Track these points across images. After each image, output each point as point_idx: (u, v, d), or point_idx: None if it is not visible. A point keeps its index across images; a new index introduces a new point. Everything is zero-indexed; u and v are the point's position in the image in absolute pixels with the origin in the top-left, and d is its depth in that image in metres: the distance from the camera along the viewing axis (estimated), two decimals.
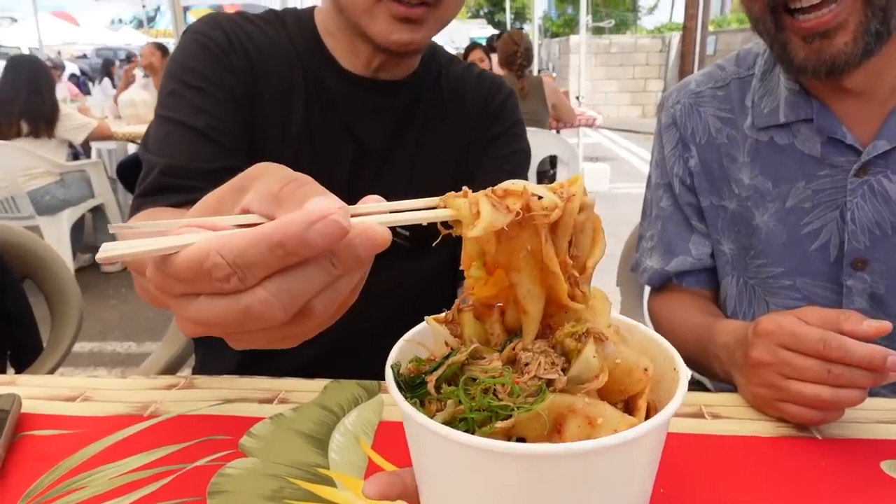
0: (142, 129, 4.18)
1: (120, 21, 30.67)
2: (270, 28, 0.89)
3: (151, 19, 26.60)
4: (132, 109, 4.30)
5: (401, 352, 0.43)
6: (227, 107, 0.83)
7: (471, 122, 0.97)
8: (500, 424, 0.33)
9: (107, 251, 0.32)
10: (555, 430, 0.35)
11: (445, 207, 0.37)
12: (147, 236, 0.33)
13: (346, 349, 0.92)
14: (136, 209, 0.79)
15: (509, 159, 0.98)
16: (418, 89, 0.94)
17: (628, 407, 0.38)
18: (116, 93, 4.66)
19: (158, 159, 0.80)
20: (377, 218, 0.35)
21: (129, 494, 0.60)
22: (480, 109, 0.98)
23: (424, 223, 0.38)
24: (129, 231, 0.37)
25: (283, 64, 0.87)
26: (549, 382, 0.35)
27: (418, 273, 0.94)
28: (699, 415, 0.71)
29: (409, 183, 0.93)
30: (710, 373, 0.89)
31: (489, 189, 0.38)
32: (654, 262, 1.02)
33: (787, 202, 0.89)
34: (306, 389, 0.79)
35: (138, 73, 4.55)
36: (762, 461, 0.63)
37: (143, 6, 17.38)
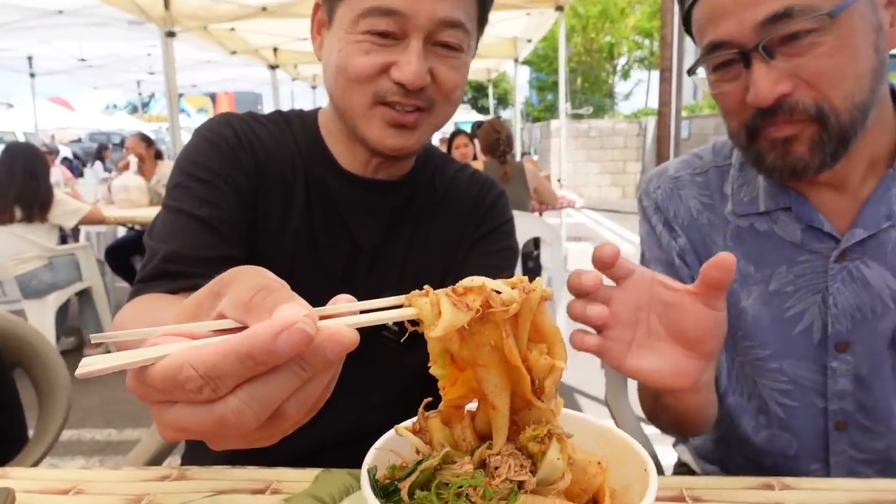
0: (134, 213, 4.26)
1: (114, 106, 31.47)
2: (276, 128, 0.96)
3: (146, 105, 27.35)
4: (125, 194, 4.39)
5: (375, 458, 0.44)
6: (231, 199, 0.87)
7: (462, 220, 1.02)
8: None
9: (86, 366, 0.35)
10: None
11: (409, 306, 0.40)
12: (128, 344, 0.36)
13: (338, 439, 0.93)
14: (135, 294, 0.81)
15: (498, 256, 1.02)
16: (413, 188, 1.00)
17: None
18: (112, 179, 4.77)
19: (162, 246, 0.84)
20: (346, 319, 0.37)
21: None
22: (472, 208, 1.02)
23: (390, 323, 0.40)
24: (119, 325, 0.40)
25: (287, 162, 0.93)
26: (520, 484, 0.38)
27: (407, 365, 0.97)
28: (680, 498, 0.73)
29: (401, 278, 0.97)
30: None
31: (450, 287, 0.40)
32: None
33: (770, 286, 0.92)
34: (298, 479, 0.80)
35: (132, 159, 4.66)
36: None
37: (140, 93, 17.92)
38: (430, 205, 1.01)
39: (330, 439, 0.93)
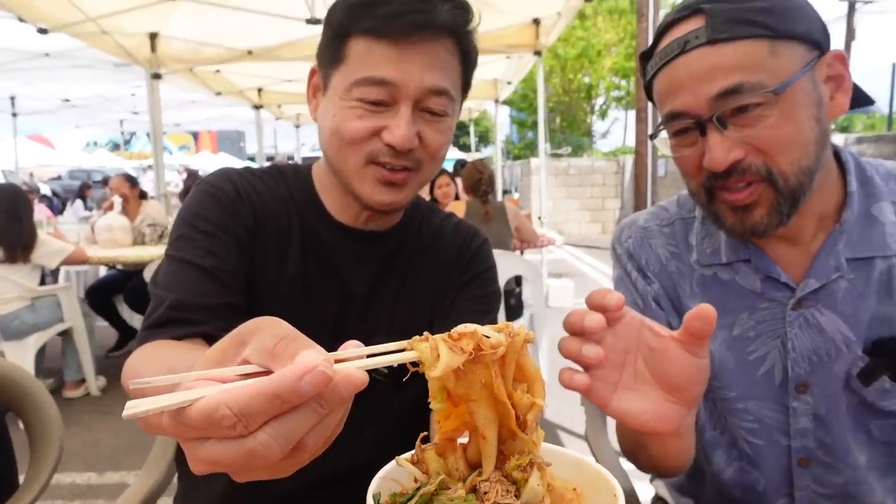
0: (118, 253, 4.26)
1: (95, 144, 31.36)
2: (273, 182, 1.02)
3: (127, 142, 27.33)
4: (109, 234, 4.39)
5: (378, 485, 0.51)
6: (232, 250, 0.93)
7: (448, 268, 1.07)
8: None
9: (132, 408, 0.40)
10: None
11: (412, 350, 0.46)
12: (153, 390, 0.41)
13: (332, 477, 0.97)
14: (143, 340, 0.85)
15: (482, 300, 1.07)
16: (401, 238, 1.05)
17: None
18: (96, 220, 4.77)
19: (167, 294, 0.88)
20: (356, 362, 0.44)
21: None
22: (457, 256, 1.08)
23: (395, 364, 0.46)
24: (144, 376, 0.45)
25: (283, 214, 0.99)
26: None
27: (396, 407, 1.01)
28: None
29: (390, 323, 1.02)
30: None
31: (447, 333, 0.46)
32: None
33: (733, 331, 0.98)
34: None
35: (117, 199, 4.69)
36: None
37: (122, 132, 17.95)
38: (418, 253, 1.07)
39: (324, 477, 0.97)
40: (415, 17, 0.85)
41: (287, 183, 1.02)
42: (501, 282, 3.91)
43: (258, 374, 0.42)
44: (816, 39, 0.84)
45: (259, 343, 0.43)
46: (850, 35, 21.39)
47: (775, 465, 0.99)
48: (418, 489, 0.48)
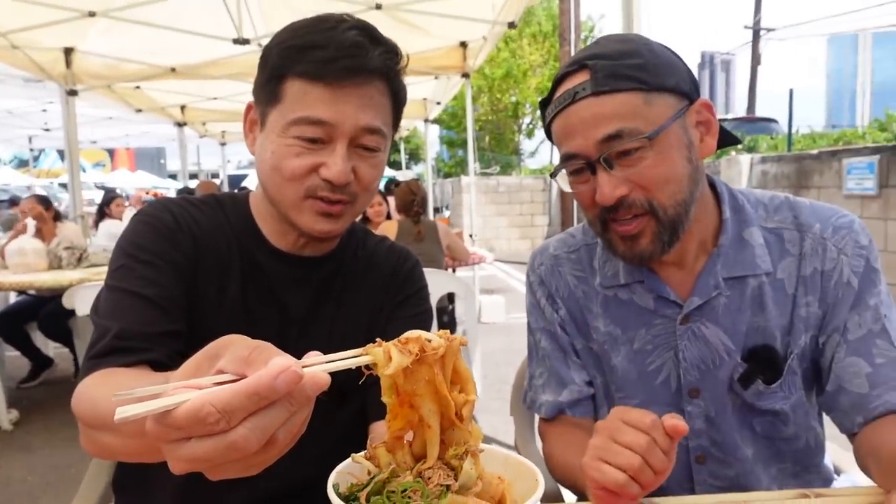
0: (32, 278, 4.03)
1: None
2: (211, 211, 1.04)
3: (36, 158, 25.76)
4: (21, 258, 4.15)
5: (336, 478, 0.59)
6: (172, 278, 0.95)
7: (382, 289, 1.12)
8: None
9: (123, 413, 0.44)
10: None
11: (367, 355, 0.55)
12: (140, 398, 0.46)
13: (278, 494, 1.01)
14: (89, 370, 0.86)
15: (416, 319, 1.12)
16: (337, 262, 1.10)
17: None
18: (5, 243, 4.49)
19: (112, 324, 0.89)
20: (319, 367, 0.51)
21: None
22: (390, 277, 1.13)
23: (353, 367, 0.53)
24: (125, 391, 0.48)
25: (221, 242, 1.02)
26: (448, 487, 0.53)
27: (337, 424, 1.05)
28: None
29: (329, 343, 1.05)
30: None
31: (396, 339, 0.55)
32: (549, 396, 1.16)
33: (634, 345, 1.10)
34: None
35: (30, 222, 4.44)
36: None
37: (31, 149, 16.96)
38: (353, 276, 1.11)
39: (271, 492, 1.01)
40: (349, 63, 0.90)
41: (225, 211, 1.05)
42: (434, 299, 3.96)
43: (232, 382, 0.47)
44: (685, 91, 0.97)
45: (234, 353, 0.49)
46: (756, 60, 23.01)
47: (676, 463, 1.09)
48: (372, 479, 0.56)
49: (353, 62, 0.90)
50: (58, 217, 5.03)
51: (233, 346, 0.50)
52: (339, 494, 0.55)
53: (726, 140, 1.08)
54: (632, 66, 0.93)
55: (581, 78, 0.96)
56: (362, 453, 0.61)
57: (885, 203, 5.88)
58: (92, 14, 4.59)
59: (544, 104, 1.04)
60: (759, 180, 8.07)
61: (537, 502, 0.54)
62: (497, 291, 8.30)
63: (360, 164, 0.96)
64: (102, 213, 8.05)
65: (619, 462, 0.76)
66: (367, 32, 0.94)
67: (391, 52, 0.96)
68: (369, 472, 0.59)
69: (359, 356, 0.54)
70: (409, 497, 0.52)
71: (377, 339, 0.56)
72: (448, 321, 4.04)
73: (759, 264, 1.03)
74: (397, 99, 1.00)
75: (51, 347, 5.00)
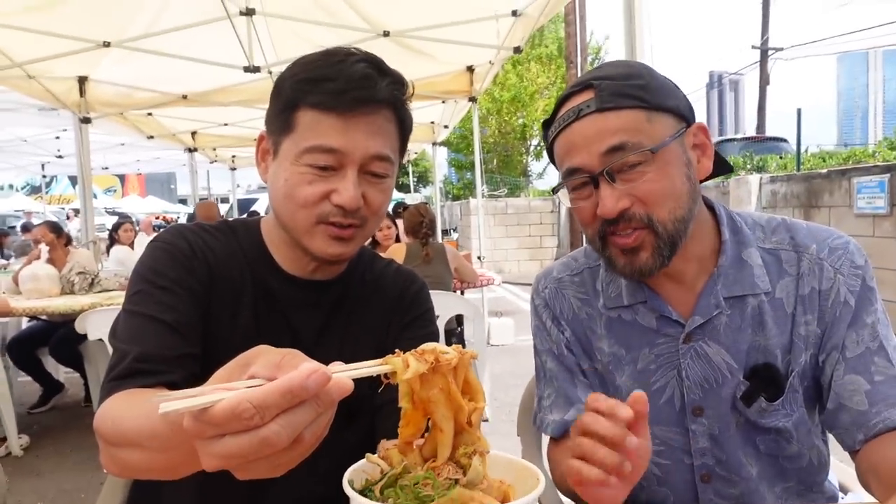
0: (45, 303, 4.07)
1: (11, 187, 29.86)
2: (224, 237, 1.07)
3: (48, 185, 26.15)
4: (34, 284, 4.20)
5: (352, 474, 0.64)
6: (188, 304, 0.98)
7: (389, 311, 1.15)
8: None
9: (167, 407, 0.48)
10: None
11: (387, 364, 0.60)
12: (184, 397, 0.49)
13: None
14: (110, 391, 0.88)
15: (422, 340, 1.13)
16: (346, 285, 1.12)
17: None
18: (19, 269, 4.54)
19: (131, 347, 0.92)
20: (344, 373, 0.55)
21: None
22: (397, 300, 1.16)
23: (374, 375, 0.59)
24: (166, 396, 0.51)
25: (235, 268, 1.05)
26: (456, 481, 0.57)
27: (347, 442, 1.06)
28: None
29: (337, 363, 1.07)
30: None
31: (413, 350, 0.61)
32: (556, 416, 1.17)
33: (637, 365, 1.11)
34: None
35: (43, 248, 4.50)
36: None
37: (44, 176, 17.21)
38: (361, 298, 1.13)
39: None
40: (359, 94, 0.94)
41: (238, 238, 1.08)
42: (442, 321, 3.97)
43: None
44: (683, 114, 1.01)
45: (266, 359, 0.54)
46: (765, 80, 23.05)
47: (681, 482, 1.11)
48: (386, 474, 0.61)
49: (363, 93, 0.94)
50: (69, 242, 5.09)
51: (265, 354, 0.55)
52: (353, 487, 0.60)
53: (721, 166, 1.11)
54: (635, 86, 0.97)
55: (586, 97, 0.99)
56: (376, 454, 0.66)
57: None
58: (107, 44, 4.68)
59: (547, 125, 1.07)
60: (769, 200, 8.05)
61: (538, 497, 0.59)
62: (506, 314, 8.27)
63: (369, 190, 0.99)
64: (112, 238, 8.14)
65: (594, 459, 0.77)
66: (375, 65, 0.98)
67: (398, 83, 1.00)
68: (382, 471, 0.63)
69: (380, 365, 0.59)
70: (421, 489, 0.57)
71: (395, 350, 0.61)
72: (456, 343, 4.02)
73: (759, 284, 1.05)
74: (404, 126, 1.04)
75: (62, 373, 5.02)
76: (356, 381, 0.57)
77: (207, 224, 1.09)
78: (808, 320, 1.04)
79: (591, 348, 1.16)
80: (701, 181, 1.06)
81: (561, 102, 1.04)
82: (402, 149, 1.06)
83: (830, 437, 1.11)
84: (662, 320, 1.09)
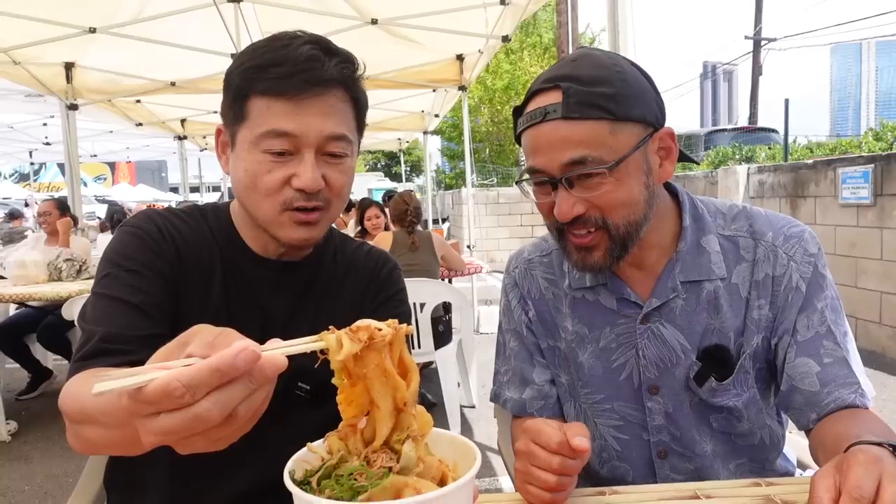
0: (31, 290, 4.07)
1: None
2: (194, 221, 1.09)
3: (37, 172, 25.88)
4: (21, 270, 4.19)
5: (293, 465, 0.64)
6: (157, 286, 0.99)
7: (361, 291, 1.17)
8: (361, 497, 0.54)
9: (102, 388, 0.49)
10: (396, 498, 0.55)
11: (321, 341, 0.59)
12: (123, 377, 0.51)
13: (258, 491, 1.03)
14: (75, 371, 0.89)
15: (395, 318, 1.17)
16: (316, 267, 1.14)
17: (442, 485, 0.60)
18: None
19: (98, 328, 0.93)
20: (278, 350, 0.56)
21: None
22: (370, 280, 1.18)
23: (308, 352, 0.58)
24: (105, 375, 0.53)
25: (204, 250, 1.06)
26: (390, 469, 0.58)
27: (316, 420, 1.09)
28: None
29: None
30: None
31: (347, 328, 0.60)
32: (513, 393, 1.23)
33: (599, 343, 1.15)
34: None
35: (31, 234, 4.49)
36: None
37: (32, 163, 17.05)
38: (333, 279, 1.16)
39: (254, 487, 1.04)
40: (306, 75, 0.94)
41: (207, 221, 1.10)
42: (429, 309, 3.99)
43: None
44: (651, 121, 1.02)
45: (201, 338, 0.55)
46: (757, 70, 23.06)
47: (639, 457, 1.16)
48: (323, 465, 0.61)
49: (311, 75, 0.95)
50: (76, 223, 5.07)
51: (201, 333, 0.56)
52: (294, 480, 0.60)
53: (685, 158, 1.15)
54: (602, 95, 0.96)
55: (553, 98, 0.99)
56: (318, 442, 0.66)
57: (880, 212, 5.90)
58: (93, 30, 4.67)
59: (517, 113, 1.09)
60: (756, 190, 8.11)
61: (473, 477, 0.59)
62: (495, 302, 8.31)
63: (329, 171, 1.00)
64: (104, 228, 8.10)
65: (539, 483, 0.87)
66: (322, 45, 0.98)
67: (347, 62, 1.00)
68: (322, 460, 0.63)
69: (314, 342, 0.59)
70: (356, 479, 0.57)
71: (330, 327, 0.60)
72: (443, 331, 4.05)
73: (714, 270, 1.09)
74: (358, 104, 1.04)
75: (50, 359, 5.03)
76: (325, 362, 0.59)
77: (177, 209, 1.11)
78: (762, 304, 1.08)
79: (556, 327, 1.21)
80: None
81: (530, 96, 1.05)
82: (360, 128, 1.06)
83: (787, 417, 1.16)
84: (622, 302, 1.13)
